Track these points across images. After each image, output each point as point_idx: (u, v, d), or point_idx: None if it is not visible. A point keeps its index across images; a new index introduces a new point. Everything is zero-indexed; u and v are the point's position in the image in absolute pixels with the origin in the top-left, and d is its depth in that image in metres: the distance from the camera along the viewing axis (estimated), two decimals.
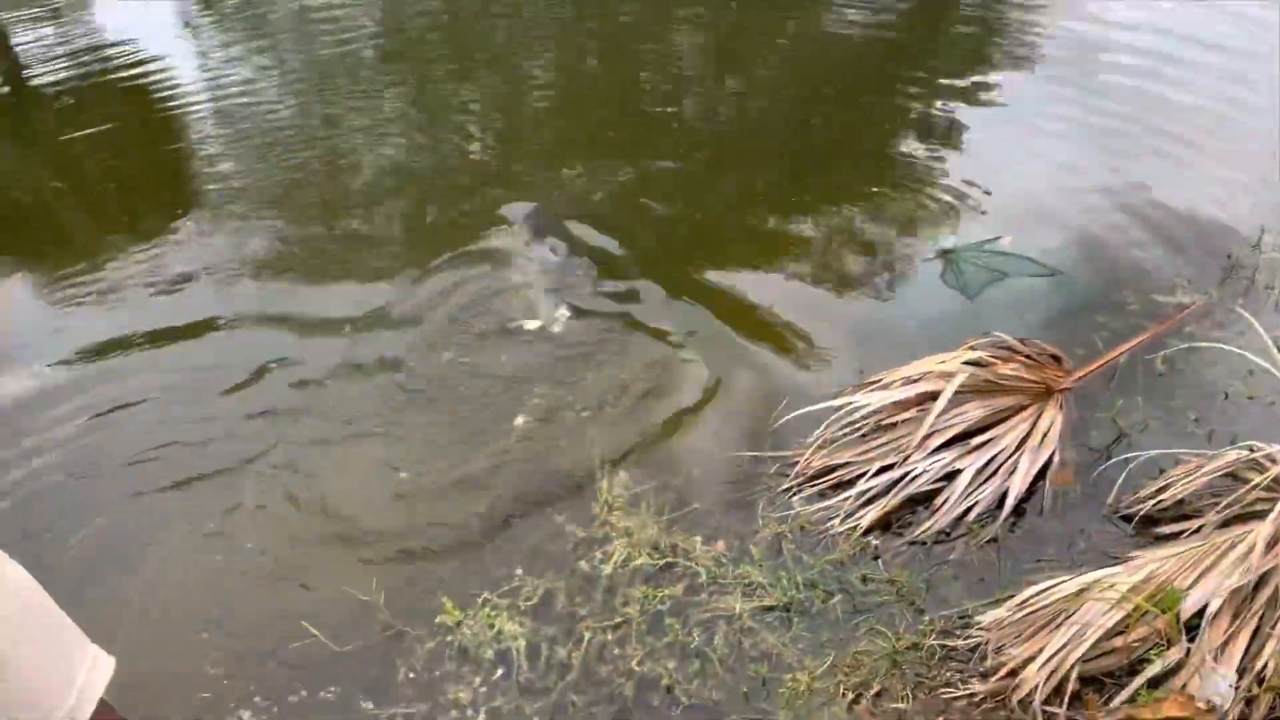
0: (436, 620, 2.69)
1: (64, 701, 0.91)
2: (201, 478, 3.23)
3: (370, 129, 5.77)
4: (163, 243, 4.64)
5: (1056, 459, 3.06)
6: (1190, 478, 2.87)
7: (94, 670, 0.96)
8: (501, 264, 4.33)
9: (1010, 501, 2.95)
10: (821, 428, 3.21)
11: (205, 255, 4.51)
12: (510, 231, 4.55)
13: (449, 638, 2.65)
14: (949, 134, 5.38)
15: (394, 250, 4.54)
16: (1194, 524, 2.79)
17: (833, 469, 3.12)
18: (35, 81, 6.62)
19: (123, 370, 3.77)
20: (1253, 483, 2.69)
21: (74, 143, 5.76)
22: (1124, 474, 2.99)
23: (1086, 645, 2.37)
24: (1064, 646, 2.39)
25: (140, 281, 4.32)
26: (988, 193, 4.75)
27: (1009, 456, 3.05)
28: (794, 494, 3.07)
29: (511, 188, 5.01)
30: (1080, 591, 2.48)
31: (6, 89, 6.72)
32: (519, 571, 2.84)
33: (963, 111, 5.65)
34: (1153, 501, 2.89)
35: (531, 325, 3.92)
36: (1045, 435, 3.09)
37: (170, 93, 6.31)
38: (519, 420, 3.44)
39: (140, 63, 6.70)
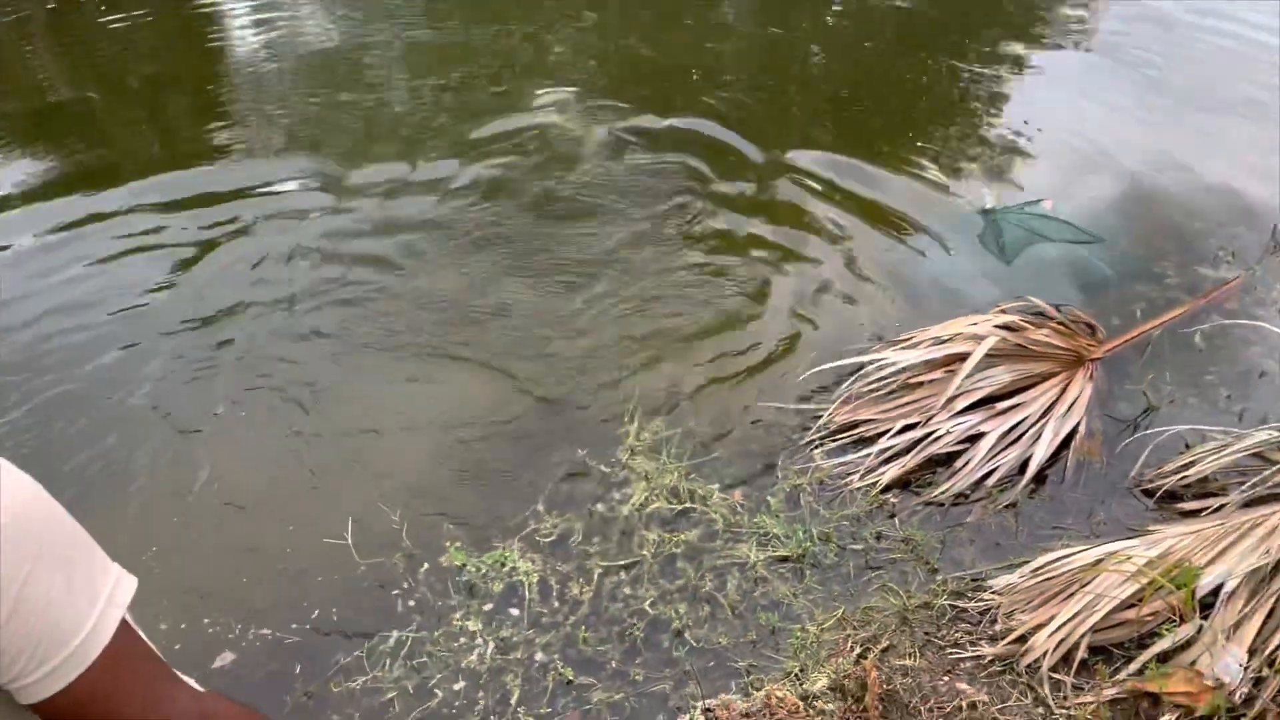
0: (449, 552, 2.71)
1: (86, 623, 0.89)
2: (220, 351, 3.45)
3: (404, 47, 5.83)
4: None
5: (1082, 428, 3.04)
6: (1217, 456, 2.85)
7: (116, 589, 0.93)
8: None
9: (1032, 468, 2.93)
10: (848, 383, 3.20)
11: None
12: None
13: (463, 569, 2.68)
14: (994, 101, 5.27)
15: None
16: (1217, 502, 2.78)
17: (856, 425, 3.12)
18: None
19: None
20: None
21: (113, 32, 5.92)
22: (1150, 448, 2.97)
23: (1098, 616, 2.38)
24: (1076, 616, 2.40)
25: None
26: (1031, 156, 4.67)
27: (1034, 423, 3.03)
28: (815, 447, 3.07)
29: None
30: (1096, 562, 2.48)
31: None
32: (539, 509, 2.86)
33: (1008, 79, 5.56)
34: (1177, 477, 2.87)
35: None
36: (1073, 404, 3.07)
37: None
38: (550, 346, 3.47)
39: None
